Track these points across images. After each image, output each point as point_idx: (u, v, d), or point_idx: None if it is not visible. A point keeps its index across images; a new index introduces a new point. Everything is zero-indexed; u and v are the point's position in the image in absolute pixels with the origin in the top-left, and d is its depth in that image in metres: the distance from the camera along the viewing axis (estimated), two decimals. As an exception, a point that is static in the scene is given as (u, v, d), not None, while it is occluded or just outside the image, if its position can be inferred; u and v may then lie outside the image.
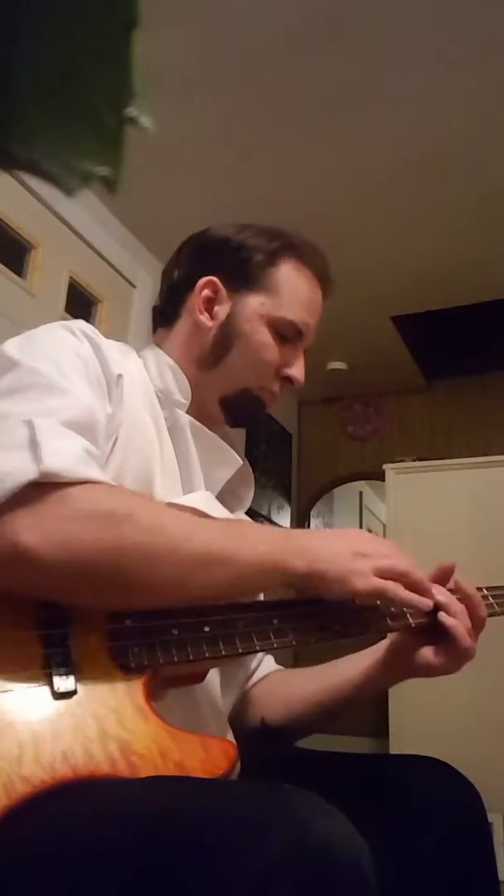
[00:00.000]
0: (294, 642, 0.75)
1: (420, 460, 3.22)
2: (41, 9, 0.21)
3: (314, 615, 0.76)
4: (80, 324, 0.82)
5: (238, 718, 0.93)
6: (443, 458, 3.27)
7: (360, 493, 4.76)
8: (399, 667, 0.87)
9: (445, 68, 2.01)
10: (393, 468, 3.06)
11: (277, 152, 2.37)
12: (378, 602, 0.79)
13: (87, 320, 2.81)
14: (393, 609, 0.80)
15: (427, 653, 0.82)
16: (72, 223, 2.45)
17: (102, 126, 0.21)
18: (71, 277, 2.47)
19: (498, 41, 1.91)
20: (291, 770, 0.81)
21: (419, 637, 0.83)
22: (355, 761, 0.89)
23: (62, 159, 0.21)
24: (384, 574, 0.73)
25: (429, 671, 0.83)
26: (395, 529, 2.97)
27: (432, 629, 0.81)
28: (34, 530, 0.62)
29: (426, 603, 0.77)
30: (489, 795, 0.86)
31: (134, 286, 2.79)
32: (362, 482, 4.30)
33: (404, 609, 0.80)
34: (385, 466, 3.08)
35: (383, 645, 0.89)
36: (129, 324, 2.75)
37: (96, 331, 0.83)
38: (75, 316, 2.44)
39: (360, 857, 0.50)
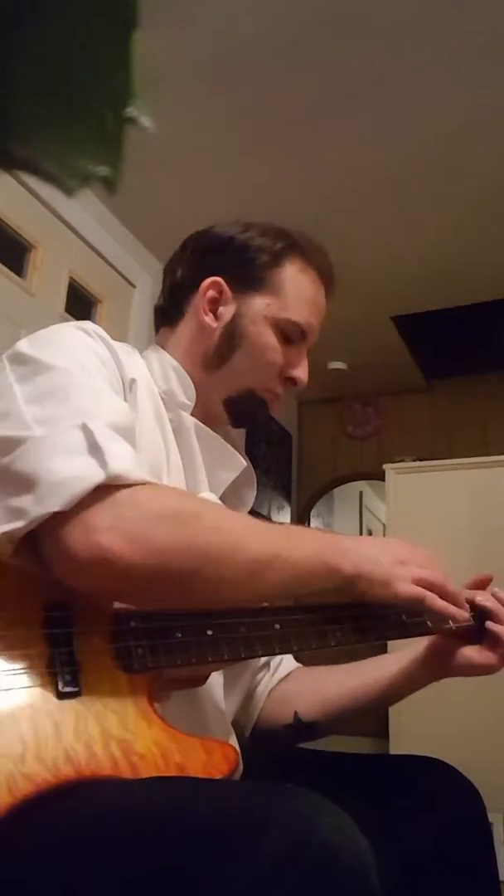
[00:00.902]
0: (295, 647, 0.76)
1: (420, 460, 3.22)
2: (41, 9, 0.21)
3: (315, 622, 0.77)
4: (93, 325, 0.82)
5: (265, 716, 0.94)
6: (443, 458, 3.27)
7: (360, 493, 4.76)
8: (438, 666, 0.90)
9: (447, 68, 2.01)
10: (393, 468, 3.06)
11: (277, 152, 2.37)
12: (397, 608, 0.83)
13: (87, 320, 2.81)
14: (406, 618, 0.82)
15: (469, 652, 0.87)
16: (72, 223, 2.45)
17: (102, 126, 0.21)
18: (71, 277, 2.47)
19: (499, 41, 1.91)
20: (292, 770, 0.81)
21: (459, 637, 0.87)
22: (355, 761, 0.89)
23: (62, 159, 0.21)
24: (422, 583, 0.76)
25: (471, 671, 0.87)
26: (395, 529, 2.97)
27: (473, 632, 0.86)
28: (112, 532, 0.63)
29: (463, 615, 0.80)
30: (489, 795, 0.86)
31: (134, 286, 2.79)
32: (362, 482, 4.30)
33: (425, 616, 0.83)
34: (385, 466, 3.08)
35: (423, 644, 0.91)
36: (129, 324, 2.75)
37: (105, 333, 0.83)
38: (75, 316, 2.44)
39: (363, 857, 0.50)
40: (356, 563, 0.74)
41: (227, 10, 1.85)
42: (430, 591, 0.77)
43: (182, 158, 2.38)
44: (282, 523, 0.86)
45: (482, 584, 0.92)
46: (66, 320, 2.66)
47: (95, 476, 0.63)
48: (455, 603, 0.79)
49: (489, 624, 0.86)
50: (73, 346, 0.77)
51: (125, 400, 0.79)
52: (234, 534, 0.70)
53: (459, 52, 1.95)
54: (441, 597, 0.77)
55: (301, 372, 0.93)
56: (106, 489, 0.64)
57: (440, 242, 2.83)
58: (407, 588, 0.75)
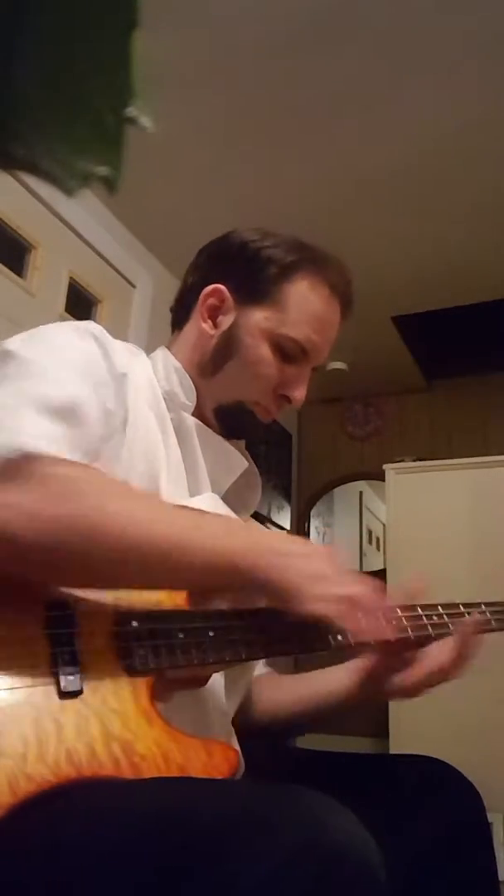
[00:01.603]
0: (297, 649, 0.76)
1: (420, 460, 3.22)
2: (42, 9, 0.21)
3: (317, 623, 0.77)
4: (89, 324, 0.83)
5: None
6: (443, 458, 3.27)
7: (360, 493, 4.76)
8: (372, 684, 0.86)
9: (447, 69, 2.01)
10: (393, 468, 3.06)
11: (278, 152, 2.37)
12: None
13: (88, 320, 2.79)
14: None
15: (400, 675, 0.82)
16: (72, 223, 2.45)
17: (102, 126, 0.21)
18: (71, 277, 2.47)
19: (500, 42, 1.91)
20: (292, 770, 0.81)
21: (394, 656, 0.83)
22: (355, 761, 0.89)
23: (62, 159, 0.21)
24: (338, 601, 0.70)
25: (395, 692, 0.82)
26: (395, 529, 2.97)
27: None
28: (13, 507, 0.63)
29: (374, 634, 0.73)
30: (489, 795, 0.86)
31: (134, 286, 2.79)
32: (362, 482, 4.30)
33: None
34: (385, 466, 3.09)
35: (361, 661, 0.88)
36: (129, 324, 2.75)
37: (104, 331, 0.83)
38: (75, 316, 2.44)
39: (371, 856, 0.51)
40: (266, 571, 0.69)
41: (228, 10, 1.85)
42: (351, 608, 0.69)
43: (182, 158, 2.38)
44: (203, 511, 0.79)
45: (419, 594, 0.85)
46: (66, 320, 2.65)
47: (2, 450, 0.64)
48: (375, 622, 0.71)
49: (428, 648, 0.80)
50: (51, 339, 0.78)
51: (115, 394, 0.79)
52: (134, 518, 0.67)
53: (460, 53, 1.95)
54: (364, 614, 0.70)
55: (297, 391, 0.90)
56: (16, 464, 0.64)
57: (440, 242, 2.83)
58: (314, 605, 0.69)
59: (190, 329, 0.93)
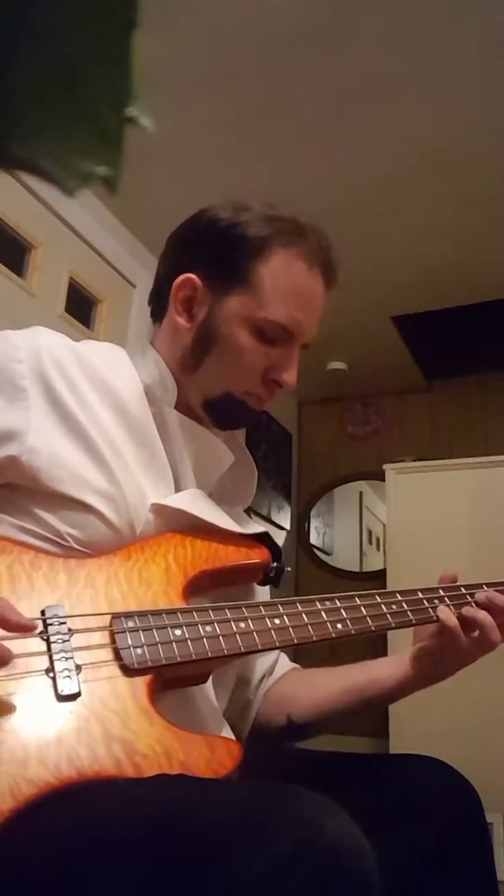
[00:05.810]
0: (296, 640, 0.76)
1: (420, 460, 3.23)
2: (41, 9, 0.21)
3: (315, 613, 0.77)
4: (30, 334, 0.82)
5: (260, 718, 0.93)
6: (443, 458, 3.27)
7: (360, 493, 4.76)
8: (426, 669, 0.88)
9: (446, 69, 2.01)
10: (393, 468, 3.07)
11: (278, 153, 2.37)
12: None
13: (87, 320, 2.77)
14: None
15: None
16: (72, 223, 2.45)
17: (102, 126, 0.21)
18: (71, 277, 2.47)
19: (500, 42, 1.91)
20: (292, 770, 0.81)
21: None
22: (355, 761, 0.89)
23: (62, 159, 0.21)
24: None
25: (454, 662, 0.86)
26: (395, 529, 2.97)
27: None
28: None
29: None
30: (489, 795, 0.86)
31: (134, 286, 2.79)
32: (362, 482, 4.30)
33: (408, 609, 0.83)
34: (385, 466, 3.09)
35: (413, 648, 0.90)
36: (129, 324, 2.75)
37: (50, 341, 0.82)
38: (75, 316, 2.44)
39: (367, 858, 0.51)
40: None
41: (228, 10, 1.85)
42: None
43: (182, 158, 2.38)
44: None
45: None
46: (66, 320, 2.63)
47: None
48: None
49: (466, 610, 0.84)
50: None
51: (12, 396, 0.77)
52: None
53: (459, 53, 1.95)
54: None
55: (287, 374, 0.86)
56: None
57: (440, 243, 2.83)
58: None
59: (167, 323, 0.90)
